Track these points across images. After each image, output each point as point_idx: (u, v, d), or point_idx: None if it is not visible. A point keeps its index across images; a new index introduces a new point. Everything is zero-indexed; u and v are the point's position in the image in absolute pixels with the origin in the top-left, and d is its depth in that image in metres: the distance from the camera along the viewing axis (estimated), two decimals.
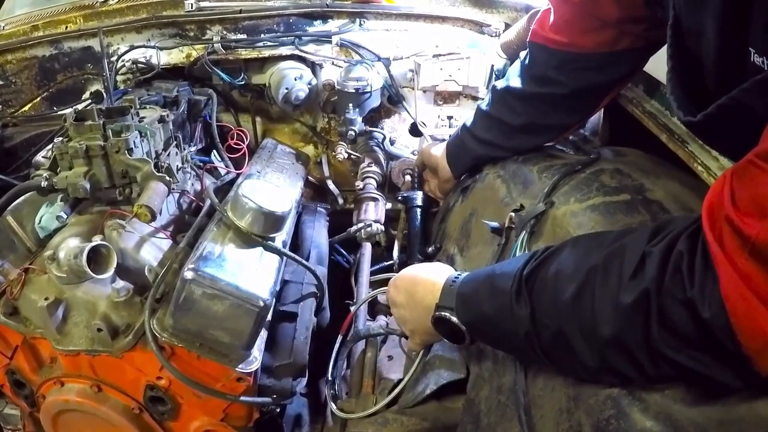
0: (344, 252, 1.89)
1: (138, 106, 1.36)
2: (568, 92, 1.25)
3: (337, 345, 1.37)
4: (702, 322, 0.65)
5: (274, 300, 1.18)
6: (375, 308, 1.50)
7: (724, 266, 0.62)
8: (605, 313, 0.73)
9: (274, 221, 1.21)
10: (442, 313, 0.95)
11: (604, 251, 0.78)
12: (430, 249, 1.53)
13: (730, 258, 0.62)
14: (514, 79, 1.34)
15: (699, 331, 0.66)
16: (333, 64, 1.84)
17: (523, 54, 1.35)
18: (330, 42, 1.81)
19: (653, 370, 0.72)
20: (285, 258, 1.29)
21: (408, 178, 1.86)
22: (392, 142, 1.96)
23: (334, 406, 1.24)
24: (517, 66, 1.36)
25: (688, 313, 0.66)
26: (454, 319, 0.94)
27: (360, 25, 1.84)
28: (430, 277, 1.04)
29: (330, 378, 1.31)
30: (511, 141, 1.37)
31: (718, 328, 0.64)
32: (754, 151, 0.63)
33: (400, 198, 1.71)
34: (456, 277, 0.98)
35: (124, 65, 1.78)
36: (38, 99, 1.89)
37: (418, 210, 1.66)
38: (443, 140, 1.69)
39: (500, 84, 1.39)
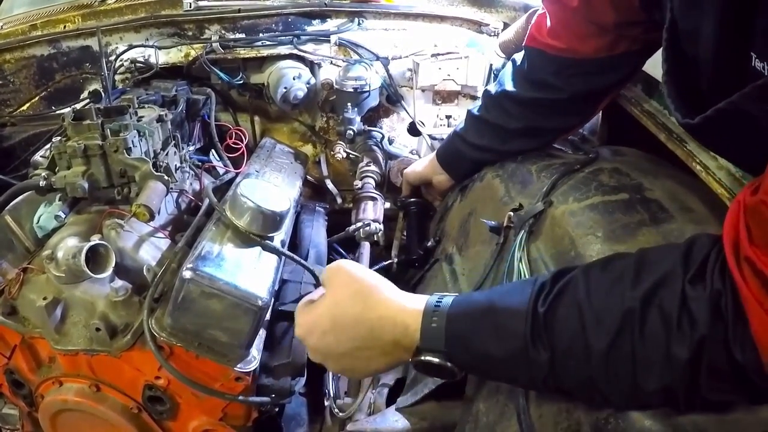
0: (343, 251, 1.89)
1: (136, 106, 1.36)
2: (567, 97, 1.24)
3: None
4: (736, 364, 0.63)
5: (272, 299, 1.18)
6: None
7: (754, 307, 0.61)
8: (651, 365, 0.68)
9: (272, 220, 1.20)
10: (430, 359, 0.81)
11: (637, 292, 0.70)
12: (429, 243, 1.53)
13: (757, 298, 0.61)
14: (508, 83, 1.33)
15: (734, 372, 0.64)
16: (331, 63, 1.84)
17: (517, 57, 1.35)
18: (329, 41, 1.81)
19: (687, 408, 0.69)
20: (283, 257, 1.29)
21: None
22: (391, 142, 1.96)
23: (334, 405, 1.24)
24: (510, 70, 1.35)
25: (726, 354, 0.64)
26: (444, 362, 0.80)
27: (359, 24, 1.84)
28: (388, 299, 0.85)
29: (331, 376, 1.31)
30: (508, 145, 1.36)
31: (752, 370, 0.63)
32: (765, 189, 0.61)
33: (398, 204, 1.70)
34: (436, 306, 0.82)
35: (122, 64, 1.78)
36: (36, 98, 1.89)
37: (416, 212, 1.66)
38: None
39: (493, 89, 1.38)
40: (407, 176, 1.66)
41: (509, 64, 1.37)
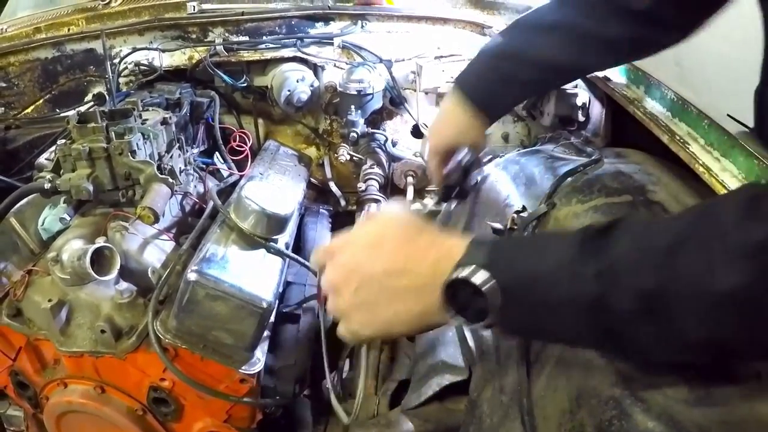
0: None
1: (140, 108, 1.37)
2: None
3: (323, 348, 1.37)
4: None
5: (276, 301, 1.19)
6: None
7: None
8: (725, 258, 0.55)
9: (276, 223, 1.21)
10: (464, 276, 0.66)
11: (690, 214, 0.62)
12: None
13: None
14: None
15: None
16: (335, 66, 1.84)
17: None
18: (332, 44, 1.82)
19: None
20: (288, 259, 1.29)
21: (410, 179, 1.87)
22: (394, 144, 1.96)
23: (340, 410, 1.24)
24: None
25: None
26: (480, 279, 0.65)
27: (362, 27, 1.84)
28: (433, 230, 0.76)
29: (330, 382, 1.31)
30: (598, 55, 1.12)
31: None
32: None
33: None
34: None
35: (126, 67, 1.79)
36: (41, 101, 1.90)
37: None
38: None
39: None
40: (436, 147, 1.23)
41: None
